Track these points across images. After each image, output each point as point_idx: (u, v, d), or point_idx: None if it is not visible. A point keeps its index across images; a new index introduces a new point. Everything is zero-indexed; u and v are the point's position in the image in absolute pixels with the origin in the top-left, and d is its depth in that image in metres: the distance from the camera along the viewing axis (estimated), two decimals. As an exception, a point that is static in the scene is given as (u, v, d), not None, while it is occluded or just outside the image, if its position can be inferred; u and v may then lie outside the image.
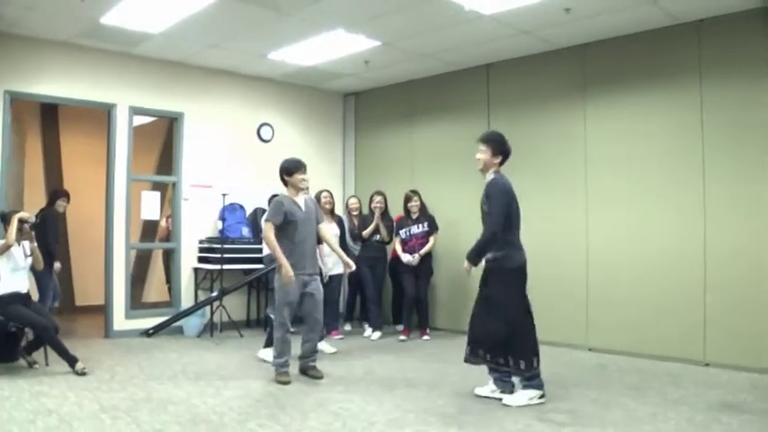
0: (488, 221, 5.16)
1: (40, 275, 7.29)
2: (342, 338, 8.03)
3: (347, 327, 8.87)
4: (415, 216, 8.30)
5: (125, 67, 8.02)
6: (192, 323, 8.11)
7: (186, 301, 8.39)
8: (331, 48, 7.79)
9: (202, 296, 8.37)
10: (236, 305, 8.53)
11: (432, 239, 8.29)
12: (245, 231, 8.67)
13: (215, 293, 8.05)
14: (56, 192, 8.10)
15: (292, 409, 4.88)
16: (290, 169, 5.91)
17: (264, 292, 8.79)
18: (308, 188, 6.39)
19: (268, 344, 6.56)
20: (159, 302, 9.04)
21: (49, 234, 7.48)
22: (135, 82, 8.12)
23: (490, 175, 5.27)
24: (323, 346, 6.91)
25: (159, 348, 7.24)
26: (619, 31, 7.06)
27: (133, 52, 7.94)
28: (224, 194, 8.29)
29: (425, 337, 8.15)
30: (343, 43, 7.60)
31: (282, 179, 5.98)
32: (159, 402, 4.98)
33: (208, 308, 8.13)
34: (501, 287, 5.13)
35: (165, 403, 4.96)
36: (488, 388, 5.32)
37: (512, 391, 5.19)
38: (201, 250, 8.52)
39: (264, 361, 6.47)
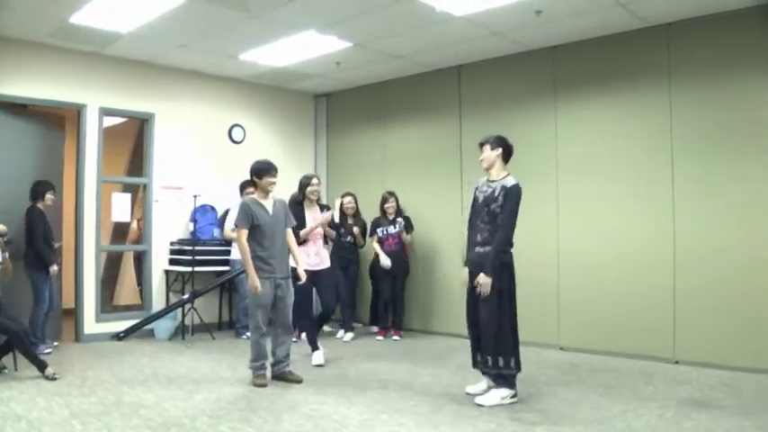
0: (505, 223, 5.15)
1: (34, 279, 6.95)
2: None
3: (326, 328, 8.84)
4: (391, 217, 8.33)
5: (95, 68, 7.95)
6: (164, 326, 8.05)
7: (157, 303, 8.33)
8: (302, 49, 7.77)
9: (174, 298, 8.31)
10: (207, 307, 8.49)
11: (409, 237, 8.38)
12: (217, 233, 8.62)
13: (186, 296, 7.97)
14: (39, 184, 7.12)
15: (264, 411, 4.86)
16: (260, 171, 5.84)
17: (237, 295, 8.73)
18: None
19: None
20: (130, 305, 8.95)
21: (35, 236, 6.89)
22: (105, 82, 8.04)
23: (510, 179, 5.26)
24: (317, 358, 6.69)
25: (130, 352, 7.19)
26: (589, 34, 7.13)
27: (103, 52, 7.87)
28: (195, 196, 8.20)
29: (396, 338, 8.18)
30: (315, 44, 7.59)
31: (252, 180, 5.95)
32: (130, 407, 4.94)
33: (179, 310, 8.07)
34: (498, 282, 5.13)
35: (137, 407, 4.92)
36: (484, 384, 5.36)
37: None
38: (173, 252, 8.46)
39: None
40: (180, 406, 4.99)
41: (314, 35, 7.26)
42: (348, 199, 8.54)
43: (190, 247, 8.11)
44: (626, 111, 7.05)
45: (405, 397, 5.32)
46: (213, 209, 8.77)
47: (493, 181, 5.31)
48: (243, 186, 8.49)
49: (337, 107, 10.09)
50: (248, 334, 8.07)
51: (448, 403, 5.12)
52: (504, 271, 5.16)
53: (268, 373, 5.87)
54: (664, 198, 6.71)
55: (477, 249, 5.25)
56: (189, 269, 8.03)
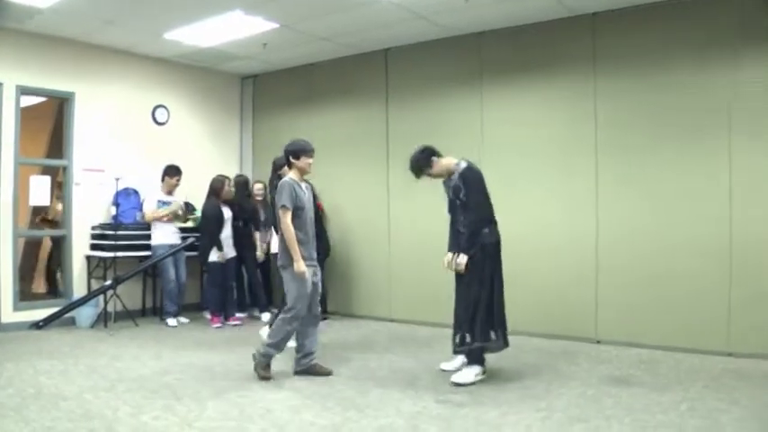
0: (475, 205, 5.32)
1: None
2: (241, 324, 8.01)
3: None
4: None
5: (12, 45, 7.62)
6: (85, 313, 7.84)
7: (78, 290, 8.09)
8: (229, 29, 7.63)
9: (95, 285, 8.09)
10: (130, 294, 8.30)
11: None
12: (140, 217, 8.43)
13: (109, 282, 7.78)
14: None
15: (189, 399, 4.81)
16: (298, 152, 5.52)
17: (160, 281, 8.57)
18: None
19: None
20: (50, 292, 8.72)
21: None
22: (23, 60, 7.72)
23: (461, 164, 5.43)
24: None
25: (50, 341, 6.98)
26: (516, 21, 7.22)
27: (21, 28, 7.54)
28: (117, 179, 8.03)
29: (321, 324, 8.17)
30: (241, 25, 7.46)
31: (287, 161, 5.60)
32: (50, 398, 4.81)
33: (101, 297, 7.86)
34: (479, 261, 5.29)
35: (57, 399, 4.79)
36: (458, 361, 5.56)
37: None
38: (94, 237, 8.23)
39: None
40: (102, 396, 4.88)
41: (240, 15, 7.13)
42: (259, 186, 8.67)
43: (112, 232, 7.92)
44: (551, 97, 7.18)
45: (331, 381, 5.35)
46: (136, 192, 8.57)
47: (450, 175, 5.48)
48: (166, 172, 8.32)
49: (264, 89, 9.96)
50: (174, 320, 7.99)
51: (374, 387, 5.16)
52: (480, 251, 5.31)
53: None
54: (587, 184, 6.88)
55: (463, 234, 5.41)
56: (111, 254, 7.86)
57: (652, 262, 6.50)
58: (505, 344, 5.41)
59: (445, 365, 5.66)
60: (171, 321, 8.04)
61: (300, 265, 5.31)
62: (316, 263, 5.62)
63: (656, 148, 6.51)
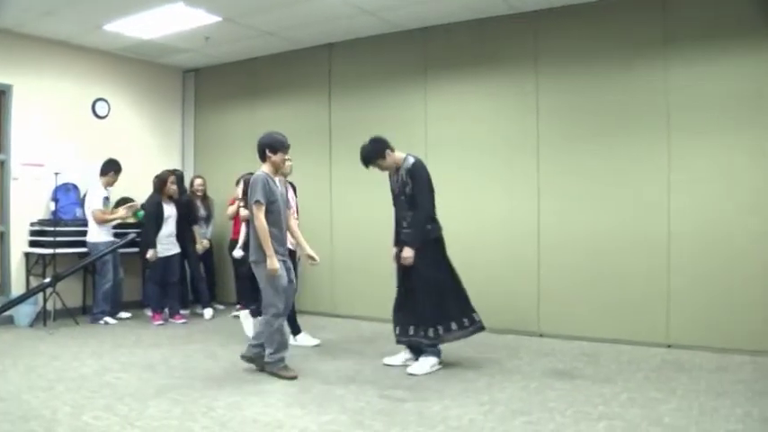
0: (422, 201, 5.42)
1: None
2: (185, 322, 7.94)
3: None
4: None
5: (-56, 36, 7.42)
6: (24, 312, 7.64)
7: (17, 288, 7.90)
8: (170, 21, 7.53)
9: (34, 282, 7.91)
10: (70, 291, 8.13)
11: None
12: (80, 213, 8.27)
13: (48, 279, 7.60)
14: None
15: (130, 398, 4.74)
16: (276, 146, 5.39)
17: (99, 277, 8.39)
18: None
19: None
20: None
21: None
22: (-44, 52, 7.52)
23: (409, 159, 5.55)
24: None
25: (-14, 340, 6.81)
26: (460, 17, 7.29)
27: (-46, 19, 7.35)
28: (56, 173, 7.85)
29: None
30: (183, 17, 7.37)
31: (262, 154, 5.44)
32: (-14, 400, 4.70)
33: (40, 295, 7.67)
34: (427, 257, 5.41)
35: (-7, 400, 4.69)
36: (401, 356, 5.68)
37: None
38: (33, 233, 8.04)
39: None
40: (40, 397, 4.78)
41: (182, 8, 7.04)
42: (199, 181, 8.71)
43: (51, 228, 7.76)
44: (494, 94, 7.26)
45: (274, 378, 5.32)
46: (76, 187, 8.40)
47: (397, 169, 5.56)
48: (105, 169, 8.13)
49: (206, 83, 9.85)
50: (112, 319, 7.87)
51: (317, 383, 5.16)
52: (434, 246, 5.48)
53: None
54: (529, 179, 6.99)
55: (405, 231, 5.51)
56: (50, 251, 7.70)
57: (593, 255, 6.65)
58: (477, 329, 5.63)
59: (388, 360, 5.73)
60: (110, 320, 7.91)
61: (273, 262, 5.24)
62: (288, 257, 5.58)
63: (596, 143, 6.65)
